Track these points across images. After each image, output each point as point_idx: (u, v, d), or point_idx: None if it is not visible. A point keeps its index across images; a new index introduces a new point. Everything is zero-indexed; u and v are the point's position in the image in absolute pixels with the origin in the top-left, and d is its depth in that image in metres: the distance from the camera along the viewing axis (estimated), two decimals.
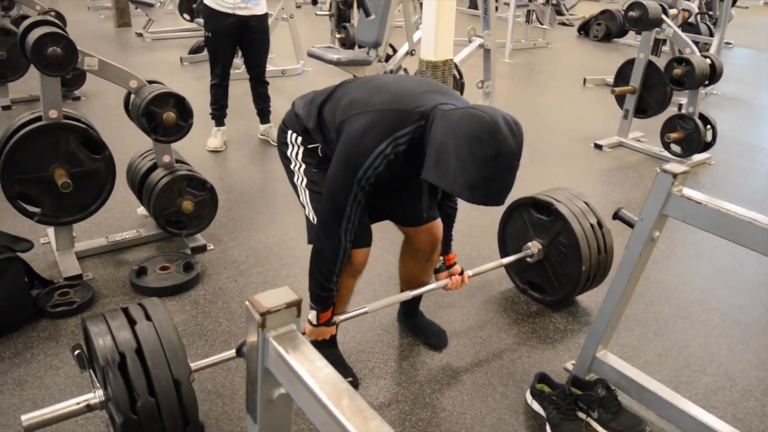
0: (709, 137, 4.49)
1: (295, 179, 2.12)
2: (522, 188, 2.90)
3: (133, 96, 2.84)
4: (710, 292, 2.94)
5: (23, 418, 1.60)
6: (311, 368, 1.05)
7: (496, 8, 6.66)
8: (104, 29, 8.97)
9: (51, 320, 2.51)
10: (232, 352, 1.86)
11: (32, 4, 5.62)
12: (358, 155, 1.75)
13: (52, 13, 5.50)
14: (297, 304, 1.14)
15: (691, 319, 2.71)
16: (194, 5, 8.09)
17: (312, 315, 2.04)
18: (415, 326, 2.52)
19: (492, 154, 1.58)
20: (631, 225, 2.02)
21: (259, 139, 4.66)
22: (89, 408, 1.70)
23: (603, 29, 9.45)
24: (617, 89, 4.75)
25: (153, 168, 2.99)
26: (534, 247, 2.64)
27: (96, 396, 1.70)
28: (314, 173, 2.06)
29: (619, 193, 4.00)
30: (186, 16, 8.27)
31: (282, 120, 2.14)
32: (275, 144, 4.45)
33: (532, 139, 4.92)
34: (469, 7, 10.45)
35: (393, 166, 1.77)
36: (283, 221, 3.41)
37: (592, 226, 2.56)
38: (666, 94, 4.64)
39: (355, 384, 2.21)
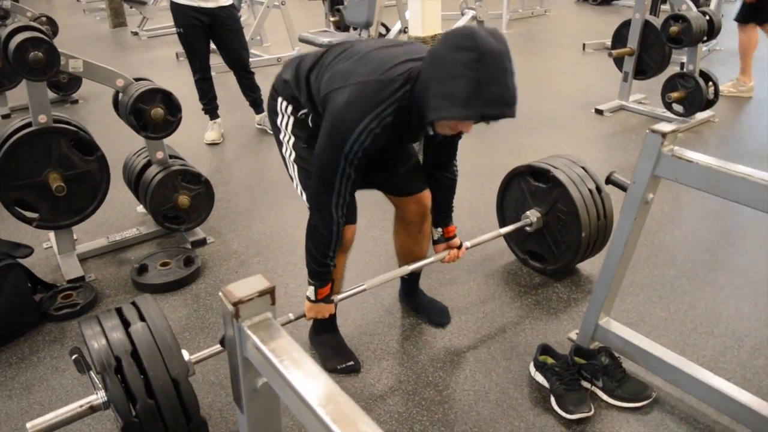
0: (711, 95, 4.40)
1: (284, 151, 2.09)
2: (523, 158, 2.86)
3: (120, 95, 2.82)
4: (716, 252, 2.90)
5: (28, 426, 1.61)
6: (287, 357, 1.03)
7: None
8: (100, 30, 8.97)
9: (55, 323, 2.53)
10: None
11: (23, 11, 5.62)
12: (343, 131, 1.71)
13: (43, 19, 5.53)
14: (270, 292, 1.13)
15: (697, 281, 2.67)
16: None
17: (310, 291, 2.00)
18: (417, 304, 2.50)
19: (476, 57, 1.50)
20: (624, 189, 1.98)
21: (255, 128, 4.64)
22: (93, 409, 1.70)
23: None
24: (614, 52, 4.67)
25: (147, 165, 2.98)
26: (533, 215, 2.61)
27: (99, 397, 1.69)
28: (303, 149, 2.02)
29: (622, 157, 3.94)
30: None
31: (272, 85, 2.09)
32: (272, 132, 4.46)
33: (532, 109, 4.86)
34: None
35: (380, 139, 1.73)
36: (282, 209, 3.40)
37: (590, 191, 2.53)
38: (665, 53, 4.56)
39: (356, 368, 2.20)
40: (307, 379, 0.98)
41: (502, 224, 2.80)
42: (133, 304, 1.82)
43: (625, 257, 2.03)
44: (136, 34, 8.34)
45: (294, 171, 2.07)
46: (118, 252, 3.03)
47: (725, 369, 2.16)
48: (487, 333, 2.38)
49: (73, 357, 1.72)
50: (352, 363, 2.20)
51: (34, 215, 2.78)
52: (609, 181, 2.09)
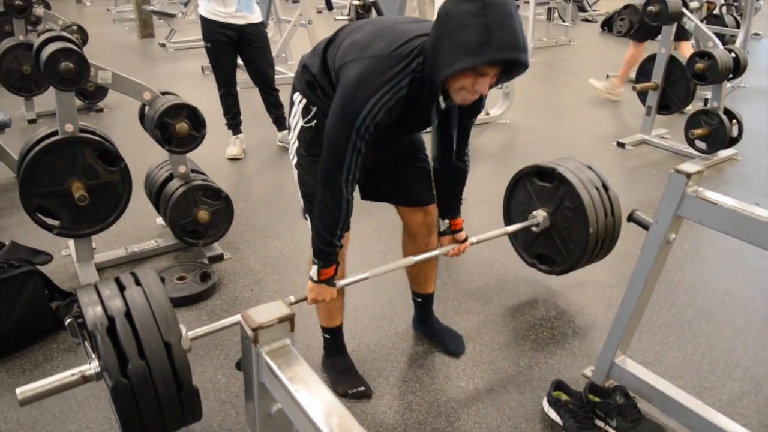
0: (735, 132, 4.38)
1: (290, 154, 2.09)
2: None
3: (147, 108, 2.86)
4: (736, 294, 2.86)
5: (18, 391, 1.54)
6: (303, 384, 1.03)
7: (517, 6, 6.60)
8: (129, 41, 9.11)
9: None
10: (232, 319, 1.85)
11: (55, 19, 5.71)
12: (355, 105, 1.69)
13: (74, 28, 5.61)
14: (290, 319, 1.13)
15: (715, 322, 2.64)
16: None
17: (313, 270, 1.95)
18: (431, 332, 2.49)
19: (481, 5, 1.50)
20: (646, 227, 1.96)
21: (277, 146, 4.67)
22: (85, 379, 1.62)
23: (626, 24, 9.29)
24: (638, 86, 4.67)
25: (169, 179, 3.01)
26: (539, 215, 2.56)
27: (92, 367, 1.63)
28: (303, 156, 2.02)
29: (642, 192, 3.92)
30: None
31: (293, 80, 2.08)
32: None
33: (553, 138, 4.86)
34: None
35: (393, 113, 1.72)
36: (300, 228, 3.40)
37: (597, 189, 2.48)
38: (689, 89, 4.55)
39: (368, 394, 2.18)
40: (323, 408, 0.97)
41: (510, 236, 2.76)
42: (132, 273, 1.78)
43: (644, 296, 2.01)
44: (163, 45, 8.46)
45: (294, 174, 2.08)
46: (135, 263, 3.04)
47: (742, 414, 2.12)
48: (501, 365, 2.36)
49: (67, 321, 1.69)
50: (363, 389, 2.19)
51: (55, 222, 2.80)
52: (631, 219, 2.07)
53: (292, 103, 2.04)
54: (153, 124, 2.74)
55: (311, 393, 1.01)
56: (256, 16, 4.17)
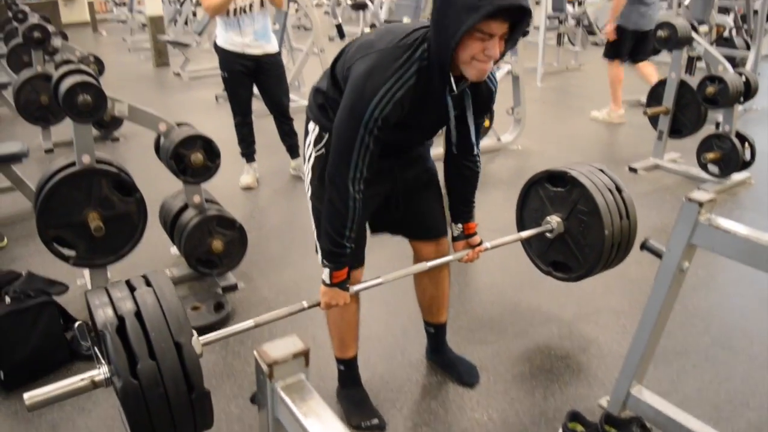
0: (747, 156, 4.36)
1: (305, 181, 2.09)
2: None
3: (162, 139, 2.90)
4: (752, 320, 2.83)
5: (26, 396, 1.49)
6: (317, 419, 1.04)
7: (527, 32, 6.67)
8: (144, 70, 9.26)
9: (85, 362, 2.55)
10: (244, 324, 1.83)
11: (72, 50, 5.82)
12: (364, 98, 1.69)
13: (91, 58, 5.72)
14: (305, 354, 1.14)
15: (732, 350, 2.61)
16: None
17: (325, 273, 1.92)
18: (445, 362, 2.48)
19: None
20: (659, 256, 1.96)
21: (290, 174, 4.71)
22: (95, 384, 1.57)
23: None
24: (650, 110, 4.67)
25: (184, 208, 3.04)
26: (553, 221, 2.48)
27: (101, 372, 1.57)
28: (317, 187, 2.01)
29: (656, 217, 3.91)
30: None
31: (306, 110, 2.09)
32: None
33: (565, 165, 4.84)
34: None
35: (401, 105, 1.71)
36: (314, 257, 3.38)
37: (611, 191, 2.43)
38: (701, 113, 4.55)
39: (381, 426, 2.18)
40: None
41: (524, 243, 2.66)
42: (143, 275, 1.70)
43: (659, 325, 2.00)
44: (178, 74, 8.58)
45: (309, 207, 2.08)
46: None
47: None
48: (515, 395, 2.35)
49: (77, 324, 1.68)
50: (376, 421, 2.18)
51: (71, 253, 2.83)
52: (644, 247, 2.06)
53: (306, 133, 2.05)
54: (168, 155, 2.78)
55: (326, 429, 1.02)
56: (272, 46, 4.23)
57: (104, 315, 1.55)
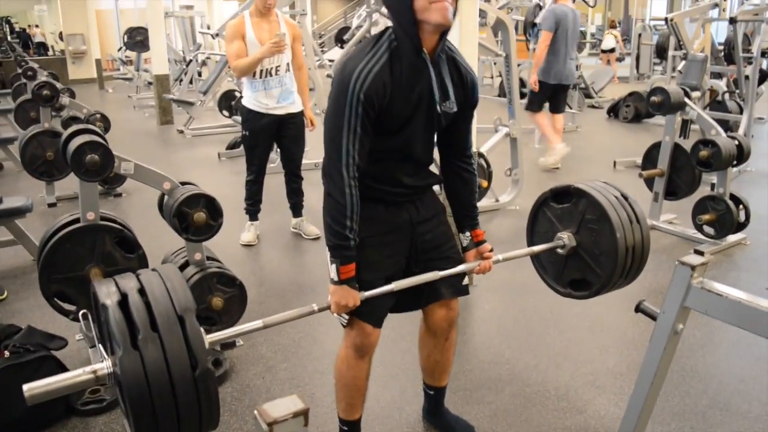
0: (742, 217, 4.43)
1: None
2: None
3: (166, 197, 2.96)
4: (750, 382, 2.83)
5: (25, 387, 1.42)
6: None
7: (525, 95, 6.88)
8: (148, 127, 9.44)
9: (81, 418, 2.54)
10: (252, 325, 1.81)
11: (79, 108, 5.96)
12: (343, 81, 1.78)
13: (98, 116, 5.84)
14: (304, 414, 1.16)
15: (730, 411, 2.61)
16: (232, 103, 8.50)
17: (332, 270, 1.90)
18: (442, 423, 2.47)
19: None
20: (654, 318, 1.99)
21: (291, 232, 4.75)
22: (97, 378, 1.48)
23: (632, 110, 9.55)
24: (645, 173, 4.76)
25: (185, 265, 3.07)
26: (563, 236, 2.41)
27: (104, 366, 1.48)
28: None
29: (653, 278, 3.94)
30: (225, 112, 8.68)
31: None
32: (307, 237, 4.58)
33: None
34: (498, 95, 10.69)
35: (381, 80, 1.79)
36: (314, 315, 3.42)
37: (616, 197, 2.38)
38: (695, 175, 4.63)
39: None
40: None
41: (537, 267, 2.58)
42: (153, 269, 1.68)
43: (655, 386, 2.01)
44: (181, 132, 8.75)
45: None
46: None
47: None
48: None
49: (81, 312, 1.64)
50: None
51: (72, 308, 2.86)
52: (639, 309, 2.09)
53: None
54: (172, 213, 2.83)
55: None
56: (296, 106, 4.34)
57: (107, 291, 1.49)
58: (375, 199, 1.99)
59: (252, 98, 4.25)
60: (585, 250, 2.42)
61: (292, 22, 4.51)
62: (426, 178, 2.13)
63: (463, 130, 2.10)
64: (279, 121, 4.28)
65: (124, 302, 1.45)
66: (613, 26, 20.29)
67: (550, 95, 6.70)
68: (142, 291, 1.48)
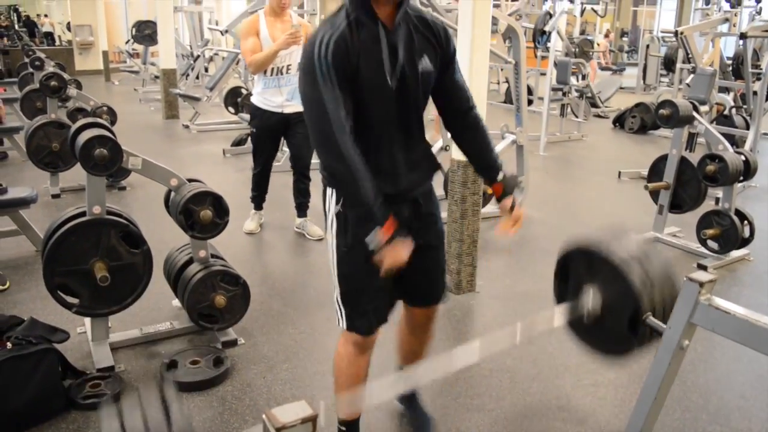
0: (746, 233, 4.42)
1: (329, 253, 2.05)
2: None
3: (173, 193, 2.96)
4: (751, 398, 2.83)
5: None
6: None
7: (531, 102, 6.87)
8: (154, 121, 9.43)
9: (81, 412, 2.54)
10: None
11: (86, 100, 5.96)
12: (310, 54, 1.80)
13: (104, 108, 5.83)
14: (312, 420, 1.16)
15: (730, 427, 2.60)
16: (239, 99, 8.50)
17: (376, 235, 1.80)
18: (410, 410, 2.52)
19: None
20: (659, 333, 1.98)
21: (294, 231, 4.76)
22: None
23: (638, 121, 9.54)
24: (650, 185, 4.76)
25: (189, 262, 3.07)
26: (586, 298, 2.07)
27: None
28: (344, 253, 1.98)
29: None
30: (231, 109, 8.68)
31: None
32: (310, 238, 4.58)
33: (566, 234, 4.89)
34: (505, 102, 10.68)
35: (344, 44, 1.79)
36: (315, 316, 3.43)
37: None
38: (701, 189, 4.63)
39: None
40: None
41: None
42: None
43: (658, 401, 2.01)
44: (187, 127, 8.74)
45: (333, 274, 2.04)
46: (149, 344, 3.07)
47: None
48: None
49: None
50: None
51: (75, 301, 2.85)
52: (644, 324, 2.08)
53: (324, 198, 2.03)
54: (178, 210, 2.83)
55: None
56: None
57: None
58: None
59: (261, 96, 4.30)
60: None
61: (304, 21, 4.56)
62: (421, 160, 2.06)
63: (453, 85, 2.03)
64: (287, 119, 4.31)
65: None
66: (607, 35, 20.45)
67: None
68: None
